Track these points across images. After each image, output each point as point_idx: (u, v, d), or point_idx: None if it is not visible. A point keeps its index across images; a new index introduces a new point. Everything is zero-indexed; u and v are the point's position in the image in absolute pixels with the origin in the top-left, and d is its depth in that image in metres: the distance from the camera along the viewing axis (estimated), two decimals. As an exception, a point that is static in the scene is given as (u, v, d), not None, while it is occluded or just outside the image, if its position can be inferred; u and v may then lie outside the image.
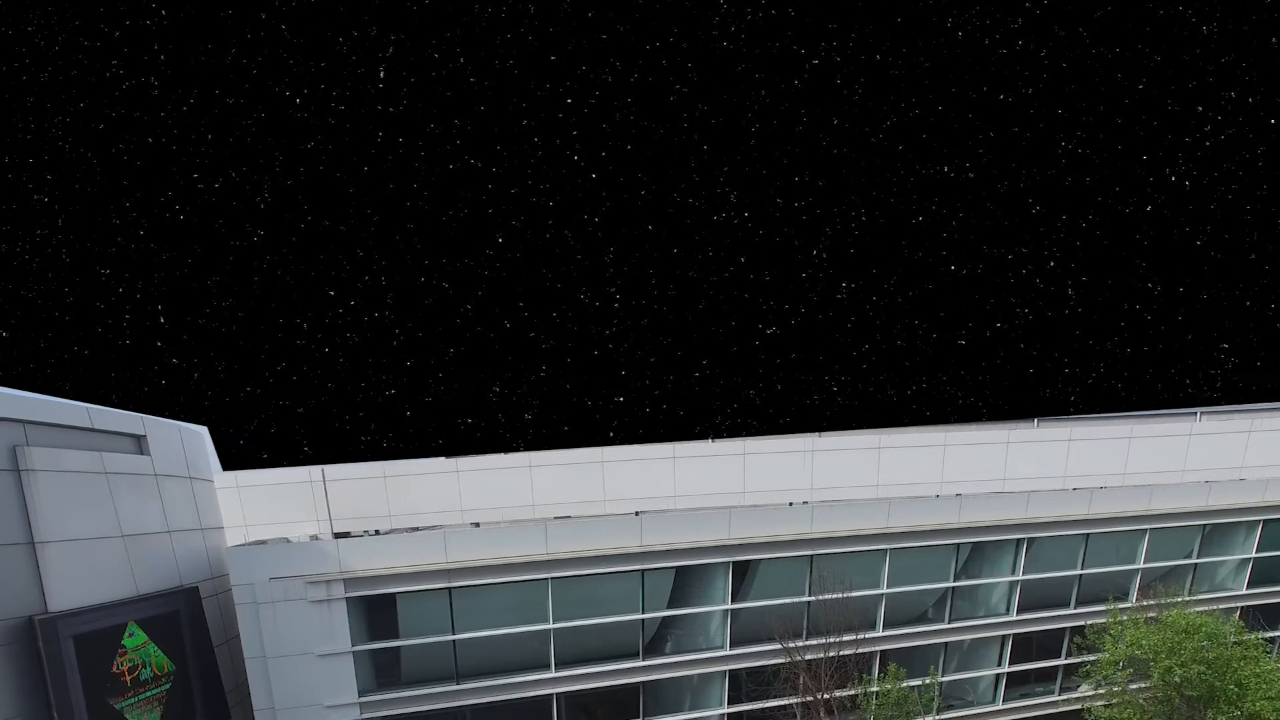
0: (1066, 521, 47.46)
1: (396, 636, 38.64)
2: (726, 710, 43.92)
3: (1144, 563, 50.10)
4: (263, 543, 39.46)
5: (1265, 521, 52.00)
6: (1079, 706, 44.98)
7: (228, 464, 44.62)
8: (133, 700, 31.93)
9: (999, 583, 48.17)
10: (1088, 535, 48.48)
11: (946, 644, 47.93)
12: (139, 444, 35.60)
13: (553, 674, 40.39)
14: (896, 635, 46.07)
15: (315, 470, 44.59)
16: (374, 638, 38.67)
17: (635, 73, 33.25)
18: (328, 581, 36.26)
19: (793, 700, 42.05)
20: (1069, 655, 49.26)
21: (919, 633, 46.81)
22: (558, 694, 41.10)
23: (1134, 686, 37.32)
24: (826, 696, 40.39)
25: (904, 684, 40.62)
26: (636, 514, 42.92)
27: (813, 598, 42.79)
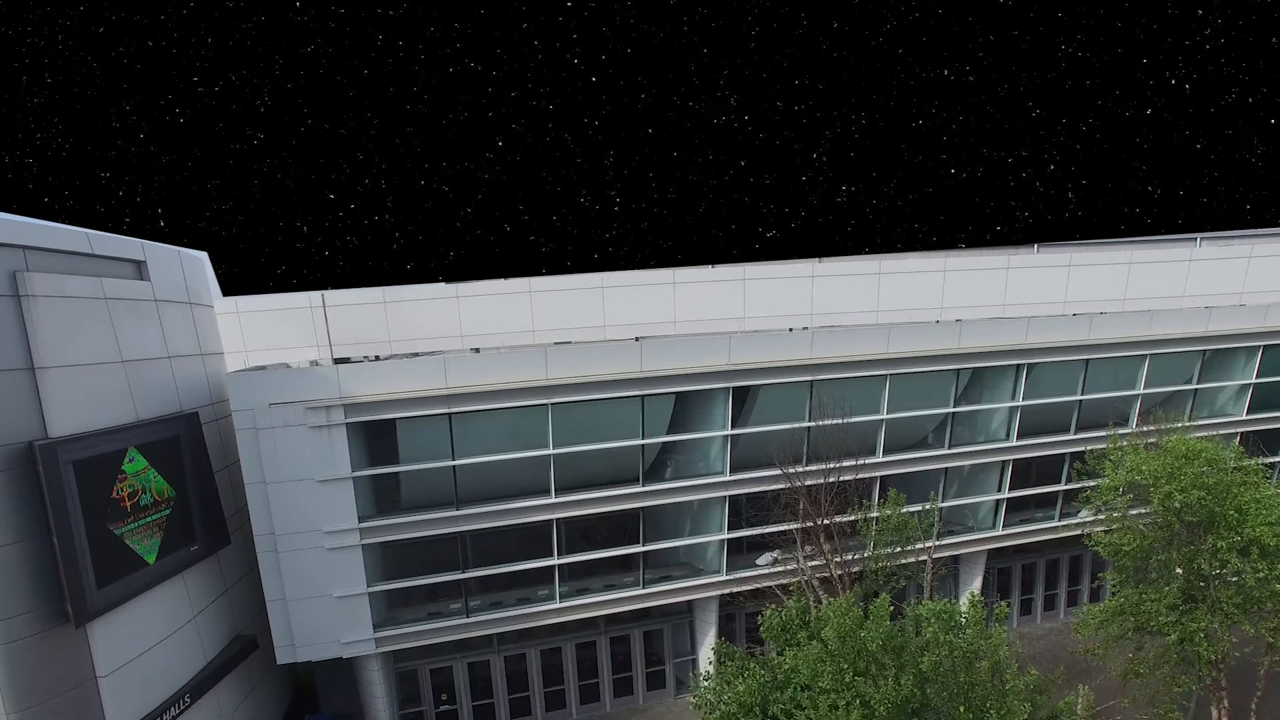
0: (1066, 347, 47.36)
1: (396, 462, 38.80)
2: (726, 536, 44.43)
3: (1144, 388, 50.15)
4: (263, 368, 39.36)
5: (1265, 347, 51.94)
6: (1079, 532, 45.50)
7: (228, 290, 44.35)
8: (133, 525, 32.12)
9: (999, 408, 48.29)
10: (1087, 361, 48.43)
11: (946, 470, 48.30)
12: (139, 269, 35.21)
13: (553, 499, 40.70)
14: (896, 461, 46.40)
15: (315, 296, 44.24)
16: (374, 463, 38.83)
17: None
18: (328, 407, 36.21)
19: (793, 525, 42.38)
20: (1069, 481, 49.74)
21: (919, 458, 47.13)
22: (557, 519, 41.50)
23: (1134, 512, 37.46)
24: (826, 522, 40.69)
25: (904, 509, 40.88)
26: (636, 339, 42.67)
27: (813, 423, 42.83)
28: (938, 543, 44.48)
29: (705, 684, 31.05)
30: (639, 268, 47.42)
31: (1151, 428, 44.92)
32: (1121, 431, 44.95)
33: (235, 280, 44.80)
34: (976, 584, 52.21)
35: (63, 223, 31.78)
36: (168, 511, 34.32)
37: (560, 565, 42.36)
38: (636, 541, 43.33)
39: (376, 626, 39.90)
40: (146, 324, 34.65)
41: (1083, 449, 45.47)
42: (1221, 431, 50.98)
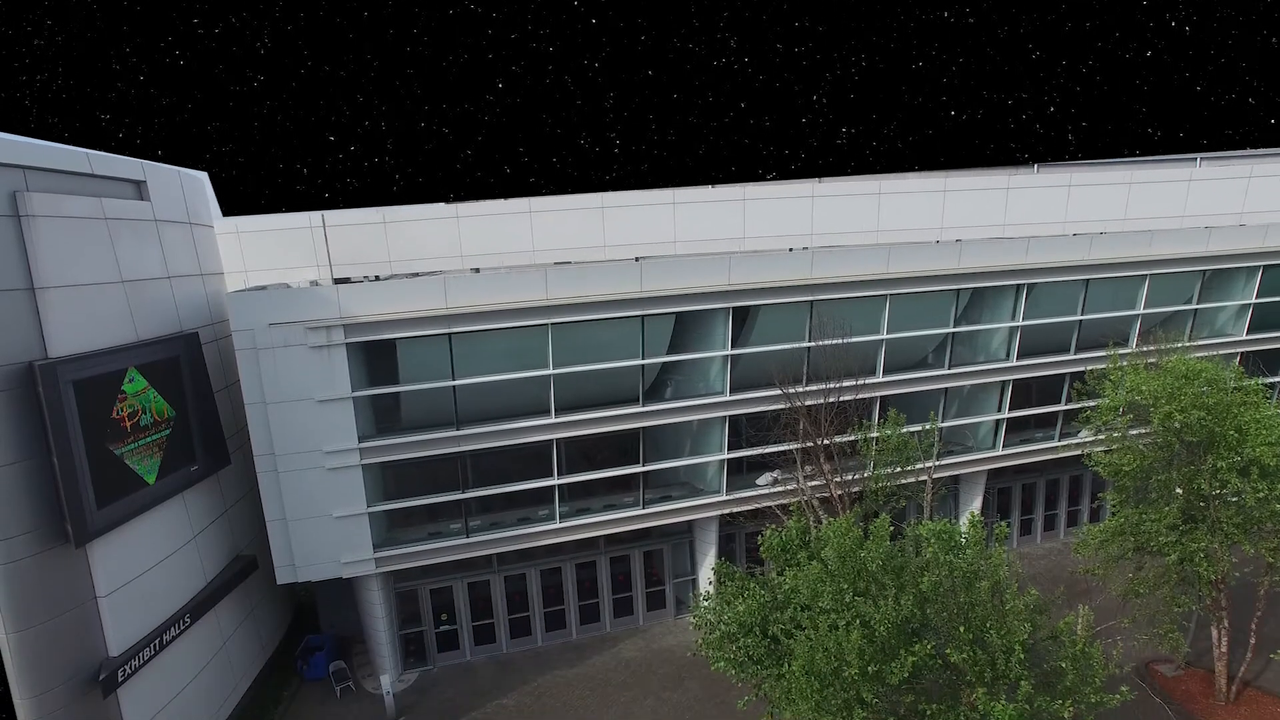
0: (1066, 267, 47.10)
1: (396, 383, 38.61)
2: (726, 456, 44.46)
3: (1144, 308, 50.00)
4: (263, 288, 38.98)
5: (1265, 267, 51.74)
6: (1079, 452, 45.53)
7: (228, 214, 43.99)
8: (133, 445, 32.06)
9: (999, 328, 48.15)
10: (1088, 281, 48.21)
11: (946, 390, 48.26)
12: (139, 190, 34.96)
13: (553, 420, 40.60)
14: (897, 381, 46.33)
15: (315, 216, 43.87)
16: (374, 384, 38.64)
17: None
18: (328, 327, 35.92)
19: (793, 446, 42.39)
20: (1069, 401, 49.73)
21: (919, 378, 47.07)
22: (557, 439, 41.46)
23: (1134, 432, 37.40)
24: (826, 442, 40.67)
25: (904, 429, 40.84)
26: (636, 259, 42.39)
27: (813, 343, 42.66)
28: (938, 463, 44.49)
29: (705, 604, 31.19)
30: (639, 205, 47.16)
31: (1151, 348, 44.85)
32: (1122, 352, 44.89)
33: (235, 208, 44.46)
34: (976, 504, 52.48)
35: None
36: (168, 431, 34.24)
37: (560, 485, 42.40)
38: (636, 462, 43.34)
39: (376, 547, 39.99)
40: (146, 244, 34.40)
41: (1083, 369, 45.46)
42: (1221, 351, 50.88)
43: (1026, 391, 50.83)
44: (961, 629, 24.56)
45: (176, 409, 34.92)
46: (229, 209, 44.44)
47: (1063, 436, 51.66)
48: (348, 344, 36.50)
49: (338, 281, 39.53)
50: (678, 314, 41.55)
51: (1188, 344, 47.16)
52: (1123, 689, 24.98)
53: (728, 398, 42.91)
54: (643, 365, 41.39)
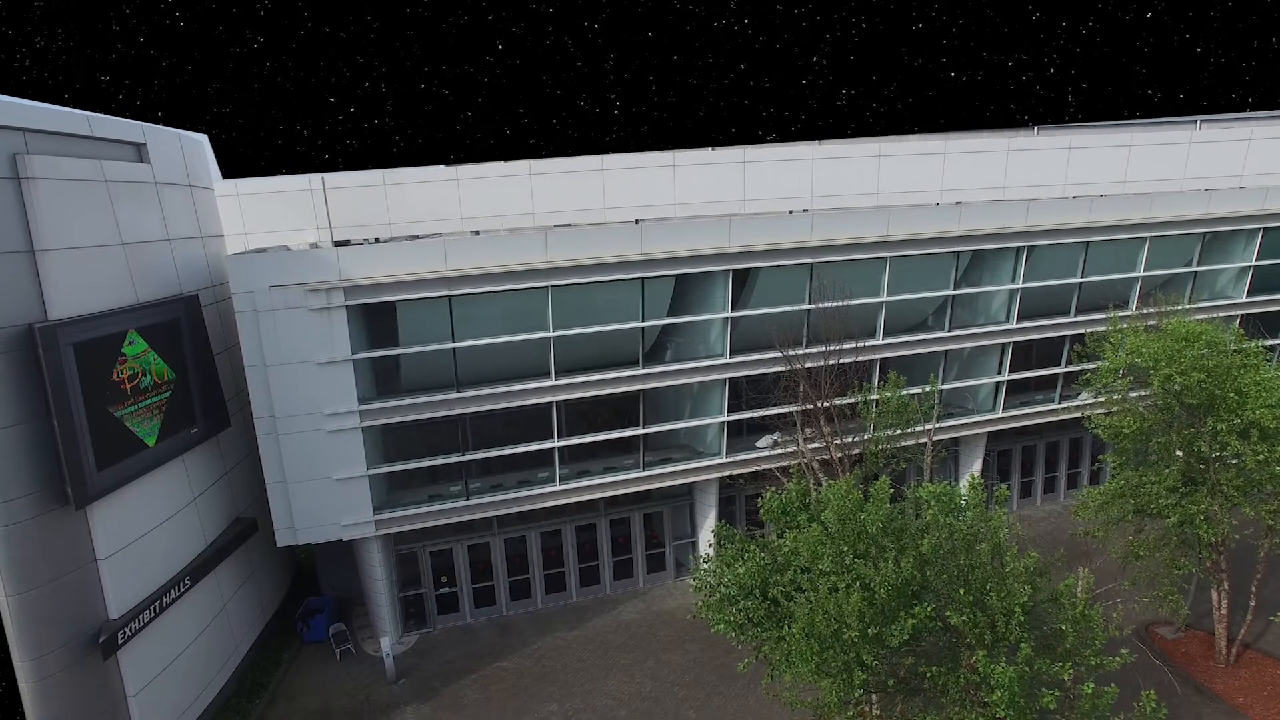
0: (1066, 229, 46.98)
1: (396, 345, 38.57)
2: (726, 418, 44.48)
3: (1144, 271, 49.95)
4: (263, 250, 38.90)
5: (1265, 229, 51.65)
6: (1079, 415, 45.58)
7: (228, 172, 43.85)
8: (133, 408, 32.03)
9: (999, 291, 48.09)
10: (1088, 244, 48.10)
11: (946, 352, 48.27)
12: (139, 152, 34.80)
13: (553, 382, 40.56)
14: (897, 343, 46.30)
15: (315, 178, 43.83)
16: (374, 346, 38.61)
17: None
18: (328, 289, 35.83)
19: (793, 408, 42.39)
20: (1069, 364, 49.71)
21: (919, 340, 47.01)
22: (558, 402, 41.43)
23: (1133, 394, 37.43)
24: (826, 404, 40.64)
25: (904, 392, 40.80)
26: (636, 222, 42.24)
27: (813, 306, 42.60)
28: (938, 425, 44.55)
29: (705, 566, 31.27)
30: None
31: (1152, 310, 44.80)
32: (1122, 314, 44.78)
33: (235, 170, 44.30)
34: (976, 466, 52.58)
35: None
36: (168, 394, 34.21)
37: (560, 448, 42.44)
38: (636, 424, 43.35)
39: (377, 509, 40.05)
40: (146, 206, 34.28)
41: (1083, 332, 45.36)
42: (1221, 314, 50.86)
43: (1026, 354, 50.84)
44: (961, 591, 24.59)
45: (177, 371, 34.87)
46: (229, 171, 44.31)
47: (1063, 399, 51.70)
48: (348, 306, 36.41)
49: (338, 244, 39.39)
50: (678, 276, 41.49)
51: (1188, 306, 47.11)
52: (1123, 651, 25.07)
53: (728, 360, 42.88)
54: (643, 327, 41.32)
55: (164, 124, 36.93)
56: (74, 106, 31.68)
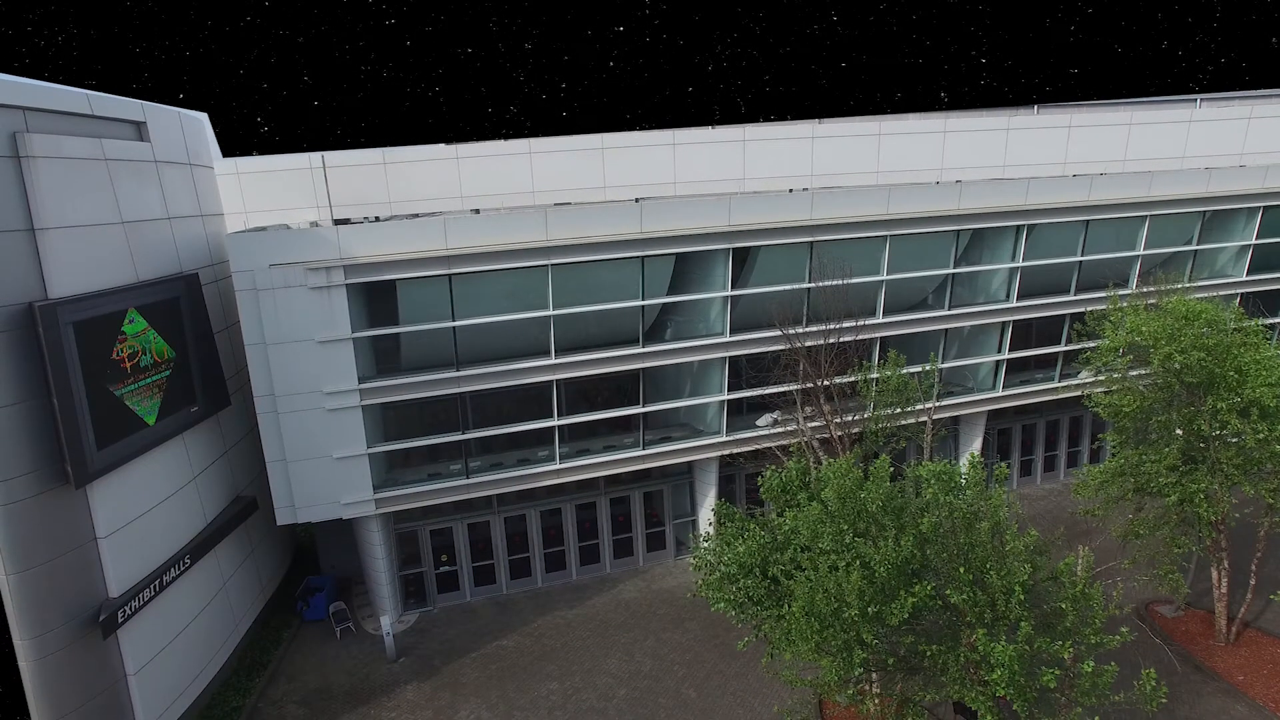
0: (1066, 208, 46.93)
1: (396, 323, 38.54)
2: (726, 396, 44.49)
3: (1144, 249, 49.91)
4: (263, 229, 38.77)
5: (1265, 208, 51.59)
6: (1079, 393, 45.59)
7: (228, 150, 43.71)
8: (133, 386, 31.97)
9: (999, 269, 48.06)
10: (1088, 222, 48.06)
11: (946, 330, 48.23)
12: (139, 131, 34.68)
13: (553, 360, 40.54)
14: (897, 322, 46.25)
15: (315, 156, 43.73)
16: (374, 325, 38.60)
17: None
18: (328, 268, 35.76)
19: (793, 387, 42.38)
20: (1069, 342, 49.65)
21: (919, 319, 46.98)
22: (558, 380, 41.41)
23: (1134, 373, 37.39)
24: (826, 383, 40.61)
25: (904, 370, 40.77)
26: (636, 200, 42.13)
27: (813, 284, 42.55)
28: (938, 404, 44.52)
29: (705, 545, 31.24)
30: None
31: (1152, 289, 44.72)
32: (1122, 293, 44.70)
33: (235, 148, 44.19)
34: (976, 445, 52.62)
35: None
36: (168, 372, 34.16)
37: (560, 426, 42.46)
38: (637, 403, 43.35)
39: (377, 488, 40.07)
40: (146, 185, 34.18)
41: (1083, 310, 45.32)
42: (1221, 293, 50.87)
43: (1026, 332, 50.82)
44: (961, 570, 24.62)
45: (177, 350, 34.81)
46: (229, 149, 44.19)
47: (1063, 377, 51.71)
48: (348, 285, 36.36)
49: (338, 222, 39.32)
50: (678, 255, 41.43)
51: (1188, 285, 47.05)
52: (1122, 630, 25.04)
53: (728, 338, 42.87)
54: (643, 306, 41.29)
55: (165, 102, 36.81)
56: (74, 85, 31.58)
